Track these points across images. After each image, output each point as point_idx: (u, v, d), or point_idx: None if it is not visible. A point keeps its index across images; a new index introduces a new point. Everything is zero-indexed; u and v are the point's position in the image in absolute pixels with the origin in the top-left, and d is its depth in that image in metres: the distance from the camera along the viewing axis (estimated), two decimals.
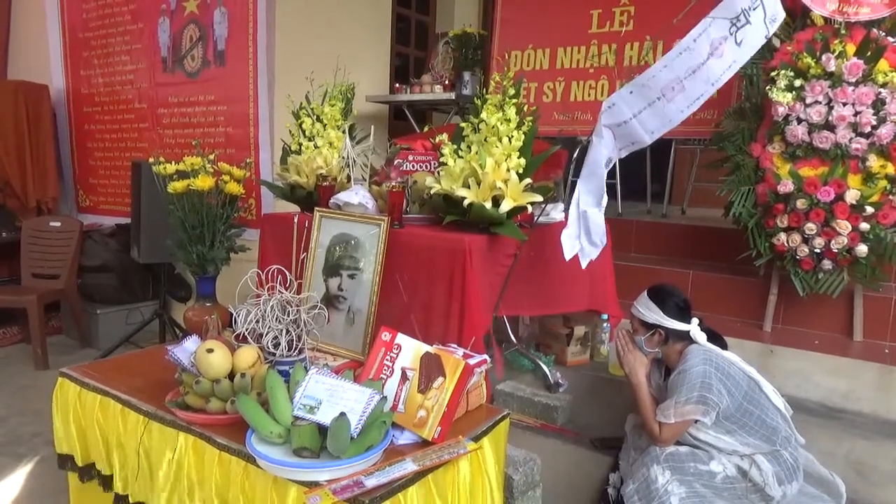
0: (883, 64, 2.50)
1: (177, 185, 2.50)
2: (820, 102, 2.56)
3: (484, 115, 2.14)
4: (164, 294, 4.14)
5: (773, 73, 2.66)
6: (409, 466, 1.43)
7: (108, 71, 4.79)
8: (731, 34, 1.98)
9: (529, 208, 2.21)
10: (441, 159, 2.27)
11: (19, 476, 2.65)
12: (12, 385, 3.63)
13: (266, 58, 3.93)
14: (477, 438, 1.66)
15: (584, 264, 2.23)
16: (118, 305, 4.37)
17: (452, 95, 4.40)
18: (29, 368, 3.89)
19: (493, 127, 2.12)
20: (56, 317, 4.58)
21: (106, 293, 4.36)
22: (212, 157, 2.63)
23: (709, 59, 1.99)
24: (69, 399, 1.97)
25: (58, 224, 4.26)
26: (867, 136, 2.52)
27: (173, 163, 2.63)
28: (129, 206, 3.93)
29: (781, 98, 2.59)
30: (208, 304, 2.64)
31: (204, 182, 2.50)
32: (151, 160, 2.68)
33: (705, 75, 2.01)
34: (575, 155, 3.41)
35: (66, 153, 5.16)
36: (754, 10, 1.99)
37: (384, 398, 1.55)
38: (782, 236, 2.69)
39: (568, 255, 2.13)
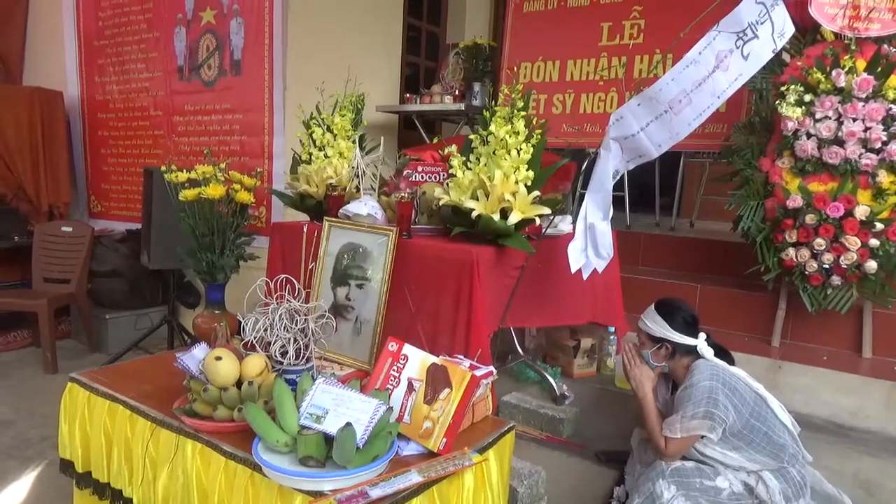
0: (893, 80, 2.49)
1: (188, 193, 2.53)
2: (830, 118, 2.55)
3: (492, 127, 2.15)
4: (173, 300, 4.17)
5: (782, 88, 2.66)
6: (413, 478, 1.44)
7: (124, 78, 4.86)
8: (738, 47, 1.99)
9: (537, 220, 2.21)
10: (450, 171, 2.28)
11: (27, 479, 2.67)
12: (21, 388, 3.66)
13: (281, 68, 3.97)
14: (482, 450, 1.66)
15: (585, 275, 2.23)
16: (128, 311, 4.41)
17: (462, 106, 4.42)
18: (38, 372, 3.92)
19: (501, 139, 2.13)
20: (66, 321, 4.62)
21: (116, 298, 4.40)
22: (223, 165, 2.66)
23: (714, 72, 1.99)
24: (78, 404, 1.99)
25: (69, 229, 4.31)
26: (877, 151, 2.51)
27: (185, 171, 2.65)
28: (140, 212, 3.97)
29: (791, 113, 2.58)
30: (217, 312, 2.66)
31: (215, 191, 2.52)
32: (163, 168, 2.71)
33: (711, 88, 2.01)
34: (583, 167, 3.42)
35: (79, 159, 5.23)
36: (762, 24, 1.99)
37: (390, 409, 1.56)
38: (791, 251, 2.68)
39: (574, 268, 2.13)
